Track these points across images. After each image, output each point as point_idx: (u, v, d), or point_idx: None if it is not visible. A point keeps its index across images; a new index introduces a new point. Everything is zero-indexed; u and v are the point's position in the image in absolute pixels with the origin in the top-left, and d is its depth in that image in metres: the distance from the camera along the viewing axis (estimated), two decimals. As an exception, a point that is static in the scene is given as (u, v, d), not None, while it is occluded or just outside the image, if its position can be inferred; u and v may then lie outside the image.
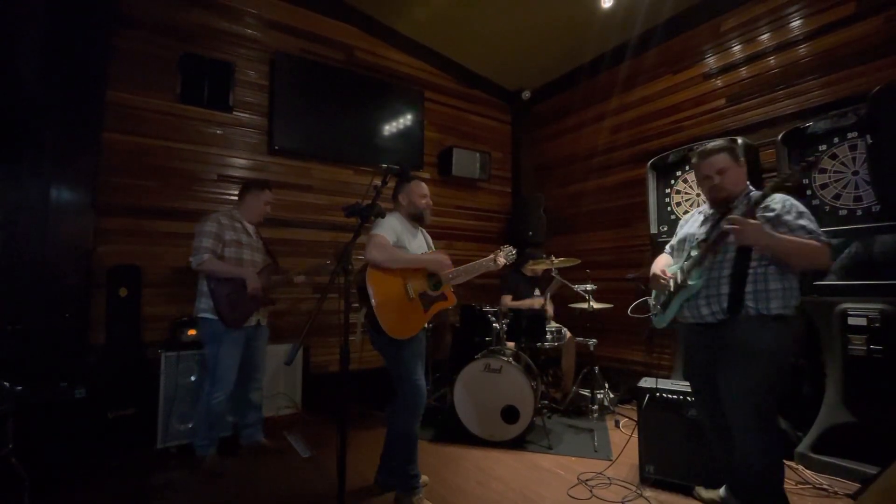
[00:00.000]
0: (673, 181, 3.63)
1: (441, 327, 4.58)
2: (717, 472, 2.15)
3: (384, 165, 2.06)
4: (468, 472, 2.61)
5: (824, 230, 1.76)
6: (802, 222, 1.72)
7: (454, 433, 3.04)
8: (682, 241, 2.05)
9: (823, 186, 2.74)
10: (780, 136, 2.86)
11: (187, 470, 2.58)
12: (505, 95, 5.47)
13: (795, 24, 3.24)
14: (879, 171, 2.35)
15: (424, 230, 2.49)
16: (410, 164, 4.44)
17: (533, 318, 3.48)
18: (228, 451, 2.80)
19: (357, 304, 2.22)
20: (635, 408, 2.52)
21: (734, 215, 1.73)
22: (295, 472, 2.59)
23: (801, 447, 2.56)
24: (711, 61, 3.76)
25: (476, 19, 4.23)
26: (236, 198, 2.88)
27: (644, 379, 2.56)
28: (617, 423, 3.35)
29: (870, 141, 2.38)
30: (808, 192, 2.74)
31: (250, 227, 2.84)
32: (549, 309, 3.93)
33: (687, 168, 3.53)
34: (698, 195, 3.44)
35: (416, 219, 2.37)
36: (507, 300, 3.89)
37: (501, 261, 2.53)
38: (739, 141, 3.02)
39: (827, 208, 2.70)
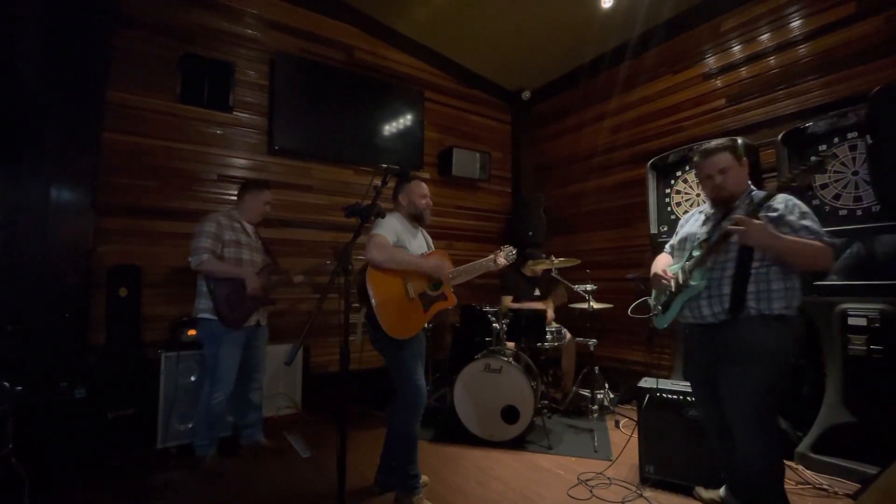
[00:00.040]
0: (673, 181, 3.63)
1: (441, 327, 4.58)
2: (717, 472, 2.15)
3: (384, 165, 2.06)
4: (468, 472, 2.61)
5: (824, 230, 1.75)
6: (806, 222, 1.70)
7: (454, 433, 3.04)
8: (683, 240, 2.03)
9: (823, 186, 2.74)
10: (780, 136, 2.86)
11: (187, 470, 2.58)
12: (505, 95, 5.47)
13: (795, 24, 3.24)
14: (879, 171, 2.36)
15: (424, 230, 2.49)
16: (410, 164, 4.44)
17: (533, 318, 3.48)
18: (228, 451, 2.80)
19: (357, 304, 2.22)
20: (635, 408, 2.52)
21: (739, 215, 1.71)
22: (295, 472, 2.59)
23: (801, 447, 2.56)
24: (711, 61, 3.76)
25: (476, 19, 4.23)
26: (236, 198, 2.88)
27: (644, 379, 2.56)
28: (617, 424, 3.35)
29: (870, 141, 2.38)
30: (808, 192, 2.74)
31: (249, 227, 2.84)
32: (550, 312, 3.93)
33: (687, 168, 3.53)
34: (698, 195, 3.44)
35: (416, 219, 2.37)
36: (508, 300, 3.89)
37: (502, 261, 2.53)
38: (739, 141, 3.02)
39: (827, 208, 2.70)
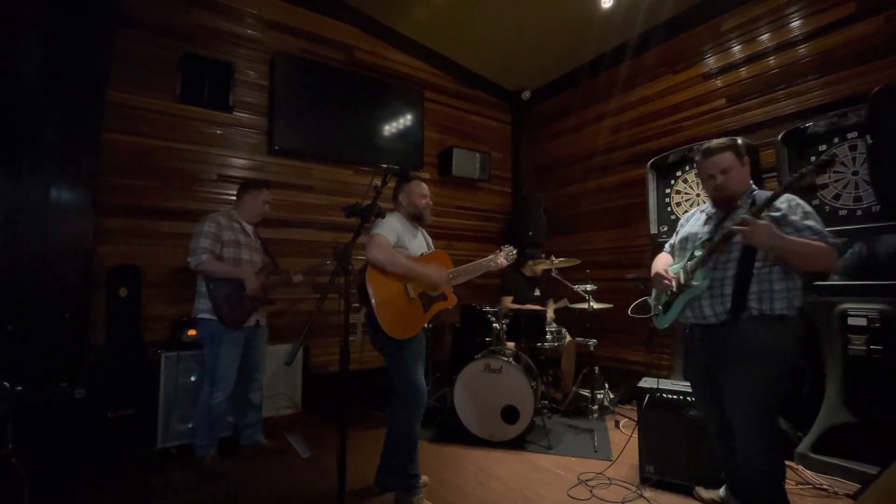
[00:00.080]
0: (673, 181, 3.63)
1: (441, 327, 4.58)
2: (717, 472, 2.15)
3: (384, 165, 2.06)
4: (468, 472, 2.61)
5: (827, 230, 1.72)
6: (809, 223, 1.68)
7: (454, 433, 3.04)
8: (685, 239, 2.02)
9: (823, 186, 2.74)
10: (780, 136, 2.86)
11: (187, 470, 2.58)
12: (505, 95, 5.46)
13: (795, 24, 3.24)
14: (879, 171, 2.35)
15: (424, 230, 2.49)
16: (410, 164, 4.44)
17: (533, 318, 3.48)
18: (228, 451, 2.80)
19: (357, 304, 2.22)
20: (635, 408, 2.52)
21: (745, 215, 1.68)
22: (295, 472, 2.59)
23: (801, 447, 2.56)
24: (711, 61, 3.76)
25: (476, 19, 4.23)
26: (235, 198, 2.88)
27: (644, 379, 2.56)
28: (617, 424, 3.35)
29: (870, 141, 2.38)
30: (815, 192, 2.74)
31: (249, 227, 2.84)
32: (550, 312, 3.94)
33: (687, 168, 3.54)
34: (698, 195, 3.45)
35: (416, 219, 2.37)
36: (508, 301, 3.89)
37: (502, 261, 2.54)
38: (739, 141, 3.02)
39: (827, 208, 2.71)
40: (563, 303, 4.06)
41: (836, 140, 2.73)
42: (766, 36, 3.40)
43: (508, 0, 3.93)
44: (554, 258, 3.60)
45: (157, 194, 3.37)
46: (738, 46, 3.58)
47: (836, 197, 2.69)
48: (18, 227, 2.83)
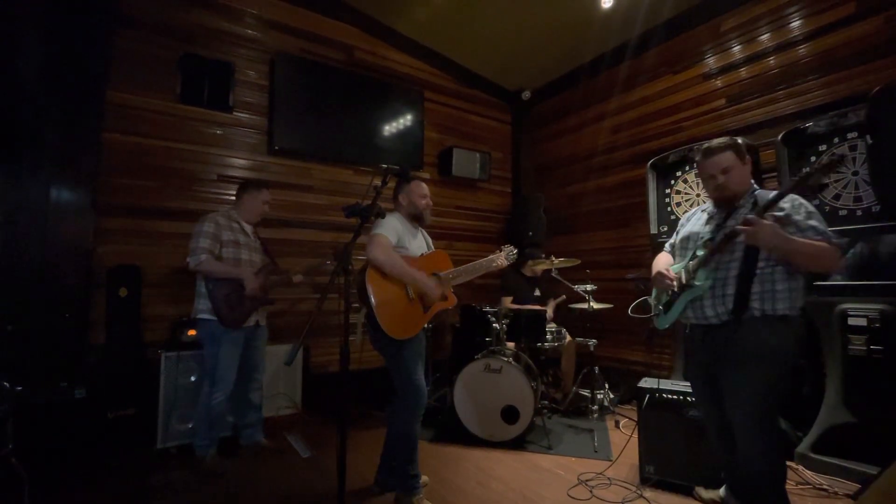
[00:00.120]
0: (673, 181, 3.63)
1: (441, 327, 4.58)
2: (717, 472, 2.15)
3: (384, 166, 2.06)
4: (468, 472, 2.61)
5: (830, 231, 1.70)
6: (812, 222, 1.67)
7: (454, 433, 3.04)
8: (686, 239, 2.00)
9: (823, 187, 2.74)
10: (780, 137, 2.86)
11: (187, 470, 2.58)
12: (505, 95, 5.46)
13: (795, 24, 3.24)
14: (879, 171, 2.35)
15: (424, 230, 2.49)
16: (410, 164, 4.44)
17: (532, 318, 3.48)
18: (228, 451, 2.80)
19: (357, 304, 2.22)
20: (635, 408, 2.52)
21: (749, 215, 1.67)
22: (295, 472, 2.59)
23: (802, 447, 2.56)
24: (711, 61, 3.76)
25: (476, 19, 4.23)
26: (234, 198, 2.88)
27: (644, 379, 2.56)
28: (617, 424, 3.35)
29: (870, 141, 2.38)
30: (804, 193, 2.73)
31: (248, 227, 2.84)
32: (550, 311, 3.94)
33: (687, 168, 3.54)
34: (698, 195, 3.45)
35: (416, 219, 2.37)
36: (508, 301, 3.89)
37: (503, 261, 2.53)
38: (739, 140, 3.02)
39: (827, 209, 2.70)
40: (561, 299, 4.06)
41: (836, 140, 2.73)
42: (766, 36, 3.40)
43: (508, 0, 3.93)
44: (554, 258, 3.60)
45: (157, 194, 3.37)
46: (738, 46, 3.58)
47: (836, 197, 2.69)
48: (18, 227, 2.83)
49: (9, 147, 2.81)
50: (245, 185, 2.86)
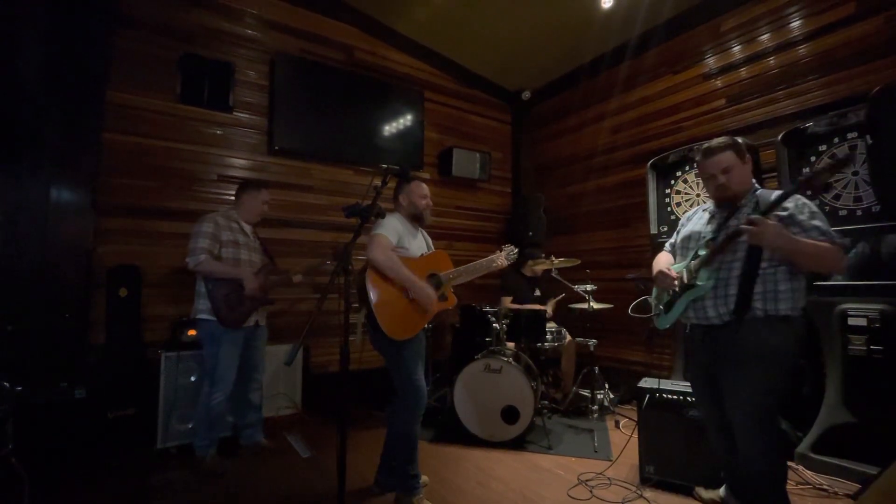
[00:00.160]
0: (673, 181, 3.63)
1: (441, 327, 4.58)
2: (717, 472, 2.15)
3: (384, 166, 2.06)
4: (468, 472, 2.61)
5: (833, 231, 1.69)
6: (816, 223, 1.66)
7: (454, 433, 3.04)
8: (687, 238, 1.99)
9: (828, 187, 2.73)
10: (780, 137, 2.86)
11: (187, 470, 2.58)
12: (505, 95, 5.46)
13: (795, 24, 3.24)
14: (879, 171, 2.35)
15: (424, 231, 2.49)
16: (410, 164, 4.44)
17: (532, 318, 3.48)
18: (228, 451, 2.80)
19: (357, 304, 2.22)
20: (635, 408, 2.52)
21: (754, 215, 1.65)
22: (295, 472, 2.59)
23: (802, 447, 2.56)
24: (711, 61, 3.76)
25: (476, 19, 4.23)
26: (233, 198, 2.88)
27: (644, 379, 2.56)
28: (617, 424, 3.35)
29: (870, 141, 2.38)
30: (809, 192, 2.73)
31: (247, 228, 2.83)
32: (550, 310, 3.94)
33: (687, 168, 3.54)
34: (698, 195, 3.45)
35: (416, 219, 2.37)
36: (507, 301, 3.89)
37: (503, 261, 2.53)
38: (739, 140, 3.02)
39: (827, 208, 2.70)
40: (560, 297, 4.07)
41: (836, 140, 2.73)
42: (766, 36, 3.40)
43: (508, 0, 3.94)
44: (554, 258, 3.60)
45: (157, 194, 3.37)
46: (738, 46, 3.58)
47: (836, 197, 2.69)
48: (18, 227, 2.83)
49: (9, 147, 2.81)
50: (244, 186, 2.86)
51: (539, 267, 3.86)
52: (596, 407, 3.50)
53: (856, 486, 2.27)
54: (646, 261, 3.06)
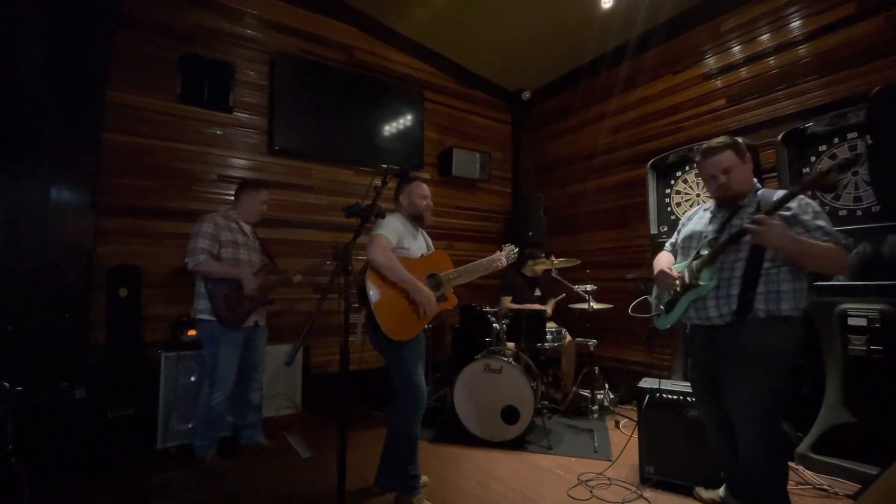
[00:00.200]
0: (673, 181, 3.63)
1: (441, 327, 4.58)
2: (717, 472, 2.15)
3: (384, 166, 2.05)
4: (468, 472, 2.61)
5: (837, 232, 1.68)
6: (820, 223, 1.65)
7: (454, 433, 3.04)
8: (688, 238, 1.98)
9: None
10: (780, 137, 2.86)
11: (187, 470, 2.58)
12: (505, 96, 5.46)
13: (795, 24, 3.24)
14: (879, 171, 2.35)
15: (424, 231, 2.49)
16: (410, 164, 4.44)
17: (533, 318, 3.48)
18: (228, 451, 2.80)
19: (357, 305, 2.22)
20: (635, 408, 2.52)
21: (759, 215, 1.64)
22: (295, 472, 2.59)
23: (802, 447, 2.56)
24: (711, 62, 3.76)
25: (476, 19, 4.23)
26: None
27: (644, 379, 2.56)
28: (617, 424, 3.35)
29: (870, 141, 2.37)
30: (809, 192, 2.73)
31: (247, 228, 2.83)
32: (549, 309, 3.93)
33: (687, 168, 3.54)
34: (698, 195, 3.45)
35: (416, 219, 2.37)
36: (507, 301, 3.89)
37: (504, 261, 2.53)
38: (739, 140, 3.02)
39: (827, 208, 2.70)
40: (560, 297, 4.07)
41: (835, 140, 2.73)
42: (765, 36, 3.40)
43: (508, 0, 3.93)
44: (554, 258, 3.60)
45: (157, 194, 3.37)
46: (738, 47, 3.58)
47: (836, 197, 2.69)
48: (18, 227, 2.83)
49: (9, 147, 2.81)
50: (244, 186, 2.86)
51: (539, 267, 3.86)
52: (596, 407, 3.50)
53: (856, 487, 2.27)
54: (646, 261, 3.06)
